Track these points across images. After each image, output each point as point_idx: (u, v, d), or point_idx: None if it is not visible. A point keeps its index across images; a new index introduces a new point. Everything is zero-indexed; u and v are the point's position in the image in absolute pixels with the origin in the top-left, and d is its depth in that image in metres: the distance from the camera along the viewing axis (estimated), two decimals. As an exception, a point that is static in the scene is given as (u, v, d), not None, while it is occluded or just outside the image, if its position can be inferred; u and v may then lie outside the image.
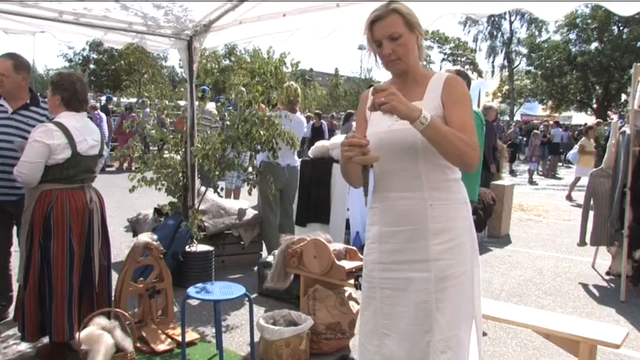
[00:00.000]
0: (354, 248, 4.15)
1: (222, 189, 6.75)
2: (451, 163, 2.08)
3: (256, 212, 6.37)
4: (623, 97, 35.91)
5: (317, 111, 14.94)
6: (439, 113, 2.09)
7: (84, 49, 34.47)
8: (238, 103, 5.05)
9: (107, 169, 13.85)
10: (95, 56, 34.98)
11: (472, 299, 2.22)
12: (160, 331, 4.03)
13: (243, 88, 5.08)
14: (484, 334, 2.43)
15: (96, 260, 3.62)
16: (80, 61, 35.54)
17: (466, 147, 2.01)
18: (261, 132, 4.91)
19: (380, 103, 1.94)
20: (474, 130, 2.10)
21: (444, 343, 2.11)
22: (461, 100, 2.13)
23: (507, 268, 6.43)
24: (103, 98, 19.88)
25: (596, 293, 5.60)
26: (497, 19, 44.27)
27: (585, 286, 5.81)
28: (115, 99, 16.76)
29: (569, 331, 3.03)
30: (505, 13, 42.80)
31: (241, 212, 6.25)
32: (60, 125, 3.45)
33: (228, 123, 5.03)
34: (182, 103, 7.90)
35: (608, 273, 6.20)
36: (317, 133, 15.17)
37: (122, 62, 30.74)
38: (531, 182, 16.37)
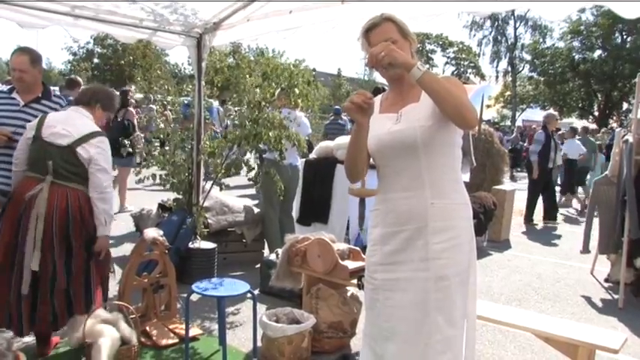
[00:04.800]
0: (357, 248, 4.19)
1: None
2: (450, 116, 2.07)
3: (259, 210, 6.40)
4: (625, 105, 35.95)
5: None
6: (436, 111, 2.13)
7: (88, 43, 34.45)
8: (248, 105, 5.10)
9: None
10: (99, 50, 34.95)
11: (466, 300, 2.25)
12: (163, 326, 4.07)
13: (257, 89, 5.10)
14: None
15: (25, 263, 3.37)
16: (84, 55, 35.53)
17: (463, 99, 2.05)
18: (270, 134, 4.95)
19: (378, 55, 2.05)
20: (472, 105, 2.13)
21: (444, 344, 2.14)
22: (455, 86, 2.16)
23: (507, 273, 6.47)
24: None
25: (595, 300, 5.64)
26: (501, 23, 44.24)
27: (584, 293, 5.84)
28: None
29: (569, 335, 3.07)
30: (509, 18, 42.79)
31: (244, 210, 6.28)
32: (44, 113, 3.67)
33: (236, 122, 5.07)
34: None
35: (606, 280, 6.23)
36: None
37: (131, 58, 30.72)
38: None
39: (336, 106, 13.86)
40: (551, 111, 10.34)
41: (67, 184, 3.45)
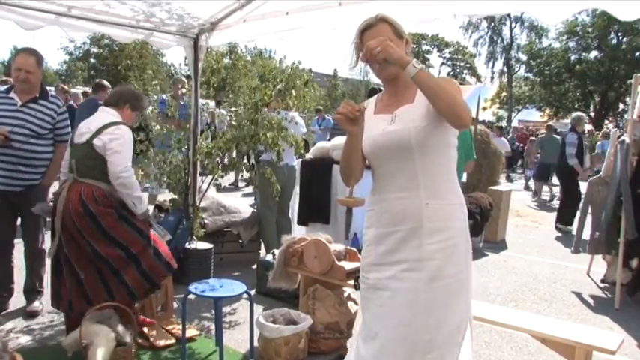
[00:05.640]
0: (354, 249, 4.18)
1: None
2: (444, 114, 2.05)
3: (255, 211, 6.40)
4: (621, 106, 36.05)
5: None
6: (431, 112, 2.13)
7: (84, 43, 34.40)
8: (245, 106, 5.09)
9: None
10: (95, 50, 34.90)
11: (467, 301, 2.25)
12: (159, 327, 4.06)
13: (254, 91, 5.08)
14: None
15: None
16: (80, 55, 35.49)
17: (458, 97, 2.04)
18: (267, 134, 4.95)
19: (373, 50, 2.04)
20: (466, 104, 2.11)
21: (429, 344, 2.13)
22: (450, 84, 2.16)
23: (503, 273, 6.48)
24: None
25: (591, 300, 5.66)
26: (497, 24, 44.34)
27: (580, 293, 5.86)
28: None
29: (566, 336, 3.07)
30: (505, 19, 42.85)
31: (240, 211, 6.27)
32: None
33: (234, 123, 5.07)
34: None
35: (602, 280, 6.24)
36: None
37: (128, 62, 30.68)
38: (527, 189, 16.42)
39: None
40: (580, 113, 10.14)
41: (84, 180, 3.57)
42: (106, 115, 3.74)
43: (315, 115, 15.05)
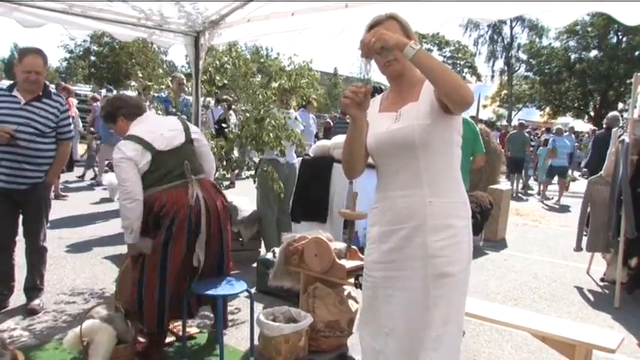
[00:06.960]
0: (355, 247, 4.18)
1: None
2: (446, 94, 2.02)
3: (256, 209, 6.39)
4: (620, 105, 36.05)
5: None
6: (434, 109, 2.13)
7: (84, 41, 34.34)
8: (256, 104, 5.09)
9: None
10: (96, 48, 34.85)
11: (465, 297, 2.27)
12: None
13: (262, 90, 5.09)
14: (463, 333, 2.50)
15: (196, 259, 3.56)
16: (81, 53, 35.47)
17: (458, 78, 2.04)
18: (270, 135, 4.95)
19: (368, 42, 2.04)
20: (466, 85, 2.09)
21: (437, 340, 2.15)
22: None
23: (503, 272, 6.48)
24: (104, 91, 19.85)
25: (591, 299, 5.66)
26: (498, 23, 44.30)
27: (580, 292, 5.87)
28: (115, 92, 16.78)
29: (566, 334, 3.07)
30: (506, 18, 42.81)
31: (241, 209, 6.27)
32: (130, 137, 3.48)
33: (238, 121, 5.07)
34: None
35: (602, 279, 6.26)
36: None
37: (133, 60, 30.68)
38: (526, 187, 16.40)
39: None
40: (615, 112, 9.72)
41: (201, 176, 3.62)
42: (159, 115, 3.82)
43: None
